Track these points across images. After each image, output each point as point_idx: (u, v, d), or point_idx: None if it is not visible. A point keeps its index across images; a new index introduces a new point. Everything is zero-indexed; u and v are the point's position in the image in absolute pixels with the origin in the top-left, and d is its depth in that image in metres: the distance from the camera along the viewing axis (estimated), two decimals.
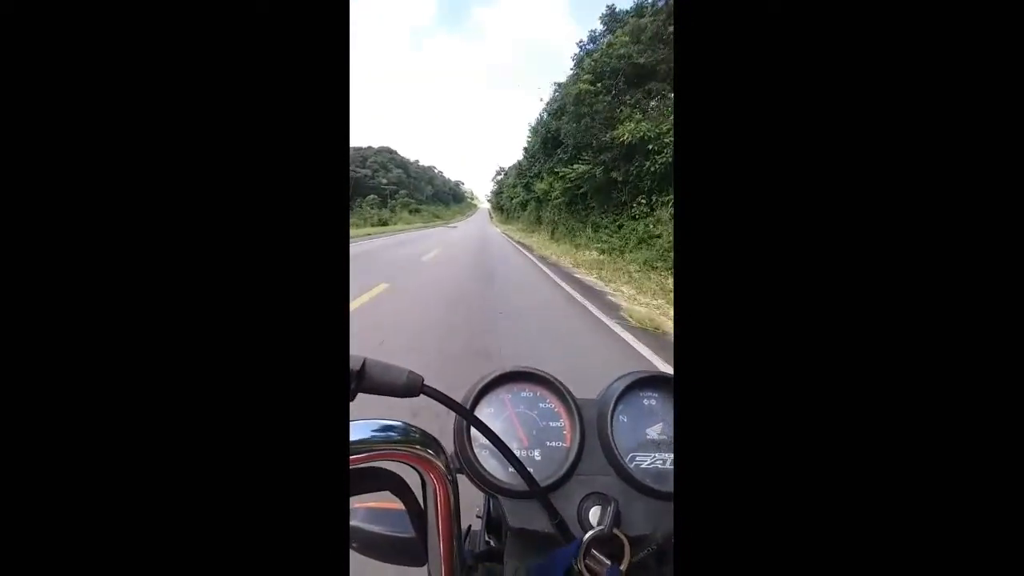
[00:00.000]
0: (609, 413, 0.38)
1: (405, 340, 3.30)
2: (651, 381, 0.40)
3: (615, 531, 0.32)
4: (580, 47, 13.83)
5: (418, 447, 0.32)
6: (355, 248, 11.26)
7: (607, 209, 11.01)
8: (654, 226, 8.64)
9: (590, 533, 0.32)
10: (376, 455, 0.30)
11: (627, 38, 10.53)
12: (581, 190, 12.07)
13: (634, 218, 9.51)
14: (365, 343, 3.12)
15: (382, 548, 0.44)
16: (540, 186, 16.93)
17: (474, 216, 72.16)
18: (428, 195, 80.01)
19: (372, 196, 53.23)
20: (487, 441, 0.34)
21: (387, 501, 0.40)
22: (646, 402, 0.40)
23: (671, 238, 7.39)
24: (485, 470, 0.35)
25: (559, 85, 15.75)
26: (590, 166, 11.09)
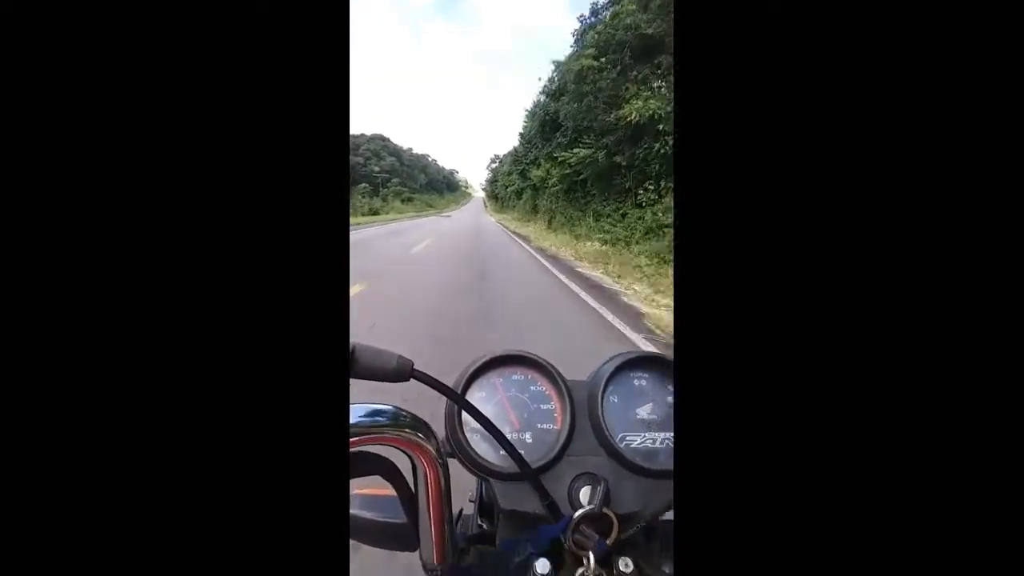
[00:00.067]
0: (600, 394, 0.38)
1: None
2: (641, 362, 0.40)
3: (604, 509, 0.33)
4: (582, 21, 12.84)
5: (408, 431, 0.32)
6: None
7: (609, 196, 10.31)
8: (663, 214, 7.90)
9: (580, 511, 0.33)
10: (366, 439, 0.30)
11: (634, 6, 9.52)
12: (581, 176, 11.35)
13: (640, 206, 8.77)
14: None
15: (373, 534, 0.43)
16: (536, 173, 16.21)
17: (468, 205, 71.41)
18: (422, 184, 78.88)
19: (364, 185, 52.22)
20: (478, 425, 0.34)
21: (377, 487, 0.39)
22: (636, 382, 0.40)
23: None
24: (476, 453, 0.36)
25: (558, 64, 14.76)
26: (592, 150, 10.31)
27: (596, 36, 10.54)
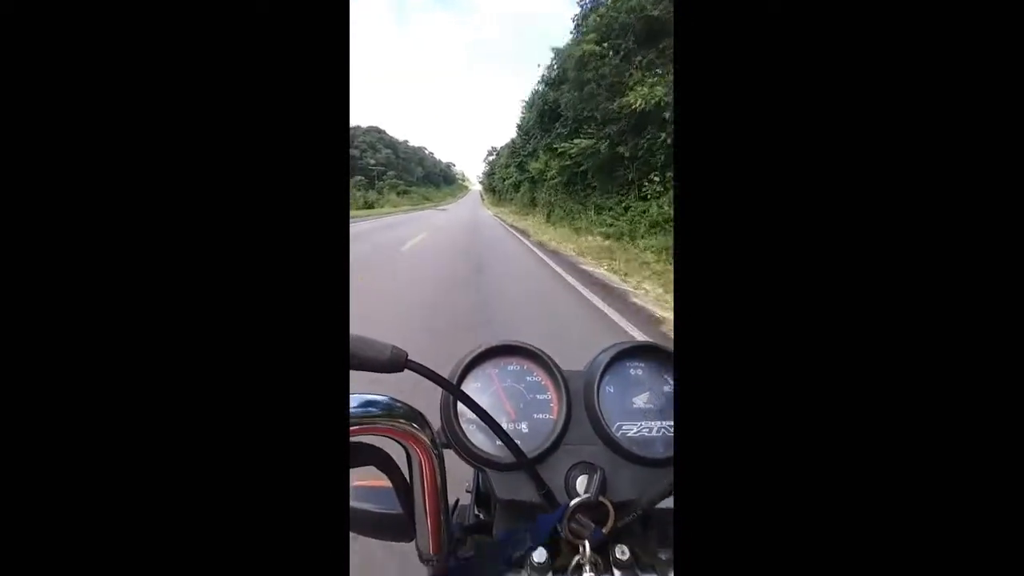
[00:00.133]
0: (596, 383, 0.38)
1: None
2: (637, 351, 0.40)
3: (600, 498, 0.33)
4: (582, 5, 12.31)
5: (403, 421, 0.31)
6: None
7: (611, 189, 9.89)
8: (670, 207, 7.52)
9: (576, 500, 0.33)
10: (360, 430, 0.30)
11: None
12: (581, 168, 10.96)
13: (644, 198, 8.36)
14: None
15: (369, 525, 0.43)
16: (535, 165, 15.78)
17: (465, 198, 70.78)
18: (418, 176, 78.15)
19: (359, 177, 51.53)
20: (474, 416, 0.34)
21: (373, 478, 0.38)
22: (632, 372, 0.40)
23: None
24: (472, 444, 0.36)
25: (558, 51, 14.25)
26: (593, 140, 9.89)
27: (598, 20, 10.05)
